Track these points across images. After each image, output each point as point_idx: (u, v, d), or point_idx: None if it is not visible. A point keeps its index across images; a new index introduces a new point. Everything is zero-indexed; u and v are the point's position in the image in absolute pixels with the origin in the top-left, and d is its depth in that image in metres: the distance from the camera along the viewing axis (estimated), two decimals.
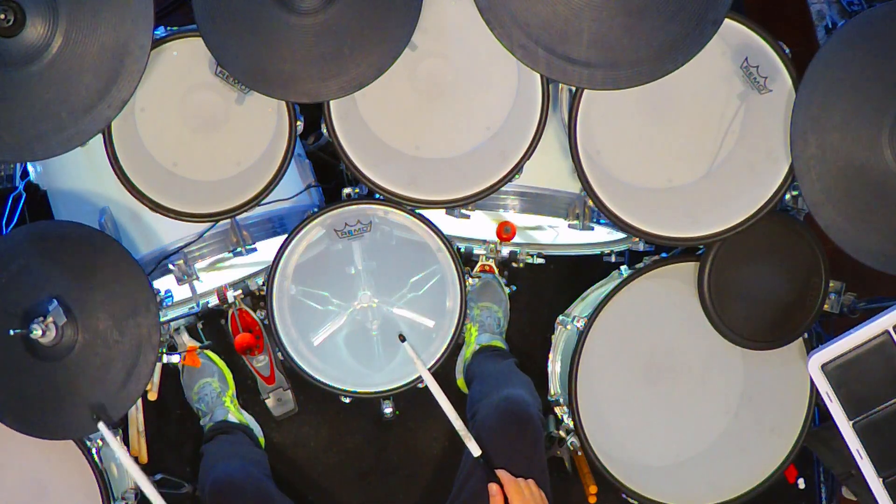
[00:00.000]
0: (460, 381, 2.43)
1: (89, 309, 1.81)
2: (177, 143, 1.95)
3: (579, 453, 2.19)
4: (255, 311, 2.28)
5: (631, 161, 1.98)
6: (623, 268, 2.15)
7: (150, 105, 1.91)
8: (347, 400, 2.11)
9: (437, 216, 2.07)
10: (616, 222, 1.95)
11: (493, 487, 1.80)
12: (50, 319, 1.74)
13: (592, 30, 1.71)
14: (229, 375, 2.43)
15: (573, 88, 1.87)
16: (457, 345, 2.11)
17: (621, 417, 2.08)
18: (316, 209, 2.05)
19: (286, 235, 2.03)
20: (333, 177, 2.38)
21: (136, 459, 2.22)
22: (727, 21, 1.78)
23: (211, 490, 1.98)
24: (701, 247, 2.00)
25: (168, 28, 1.89)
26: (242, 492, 1.98)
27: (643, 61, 1.73)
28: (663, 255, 2.12)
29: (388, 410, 2.25)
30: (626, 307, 2.06)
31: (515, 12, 1.72)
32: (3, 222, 2.24)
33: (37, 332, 1.72)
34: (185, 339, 2.38)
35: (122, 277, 1.84)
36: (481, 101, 1.99)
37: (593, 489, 2.27)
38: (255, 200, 1.95)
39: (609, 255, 2.30)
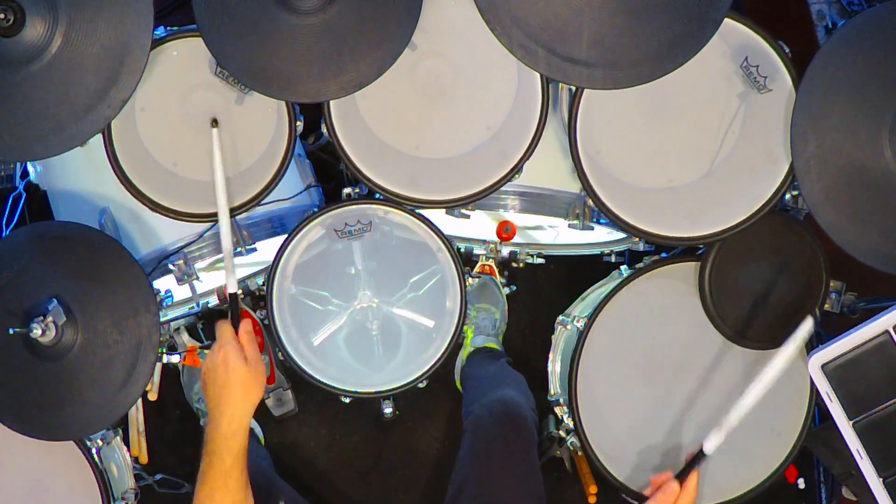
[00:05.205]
0: (458, 383, 2.43)
1: (89, 309, 1.81)
2: (177, 143, 1.95)
3: (579, 453, 2.19)
4: (255, 311, 2.28)
5: (631, 161, 1.98)
6: (623, 268, 2.15)
7: (150, 105, 1.91)
8: (347, 400, 2.11)
9: (437, 216, 2.07)
10: (616, 222, 1.95)
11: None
12: (50, 319, 1.74)
13: (592, 30, 1.71)
14: None
15: (573, 88, 1.87)
16: (457, 345, 2.11)
17: (621, 417, 2.08)
18: (316, 209, 2.05)
19: (286, 235, 2.03)
20: (333, 177, 2.38)
21: (135, 459, 2.23)
22: (727, 21, 1.78)
23: None
24: (701, 247, 2.00)
25: (168, 28, 1.89)
26: (252, 479, 1.96)
27: (643, 61, 1.73)
28: (663, 255, 2.12)
29: (388, 410, 2.25)
30: (626, 307, 2.06)
31: (515, 12, 1.72)
32: (3, 222, 2.24)
33: (36, 332, 1.72)
34: (185, 339, 2.37)
35: (122, 277, 1.84)
36: (481, 101, 1.99)
37: (593, 489, 2.27)
38: (255, 200, 1.95)
39: (609, 255, 2.30)
